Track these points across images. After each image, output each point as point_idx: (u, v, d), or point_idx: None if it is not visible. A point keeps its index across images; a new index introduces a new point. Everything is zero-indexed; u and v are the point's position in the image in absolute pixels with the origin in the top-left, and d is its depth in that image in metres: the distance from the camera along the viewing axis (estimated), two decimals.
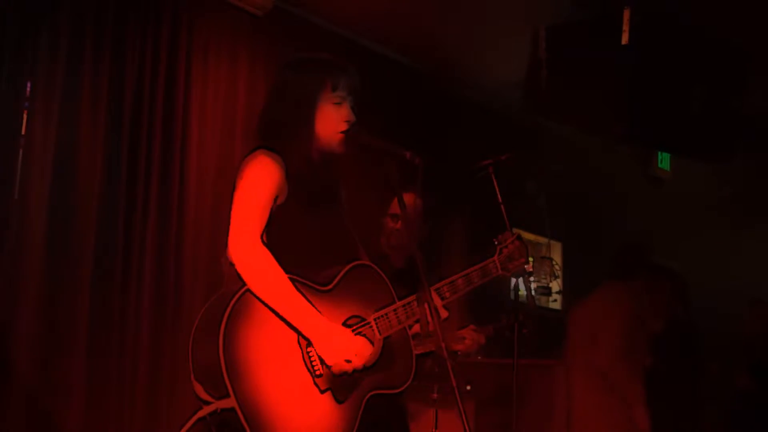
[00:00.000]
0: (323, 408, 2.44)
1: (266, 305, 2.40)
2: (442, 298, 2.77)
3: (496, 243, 2.93)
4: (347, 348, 2.46)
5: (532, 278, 7.58)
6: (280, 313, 2.42)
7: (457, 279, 2.80)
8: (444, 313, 2.78)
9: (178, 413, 4.58)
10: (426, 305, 2.50)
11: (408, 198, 3.82)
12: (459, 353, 3.83)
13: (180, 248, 4.84)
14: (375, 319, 2.58)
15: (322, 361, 2.46)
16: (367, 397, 2.53)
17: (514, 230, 3.04)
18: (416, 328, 2.71)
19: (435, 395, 4.35)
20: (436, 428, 4.41)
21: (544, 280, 7.71)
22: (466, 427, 2.34)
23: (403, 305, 2.64)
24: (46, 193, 4.30)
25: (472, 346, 3.86)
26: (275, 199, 2.55)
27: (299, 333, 2.44)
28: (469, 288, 2.83)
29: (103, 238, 4.49)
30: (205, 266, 4.86)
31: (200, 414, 2.38)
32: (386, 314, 2.60)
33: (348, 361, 2.45)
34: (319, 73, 2.65)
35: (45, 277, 4.26)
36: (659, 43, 5.17)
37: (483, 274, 2.86)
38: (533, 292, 7.47)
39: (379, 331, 2.58)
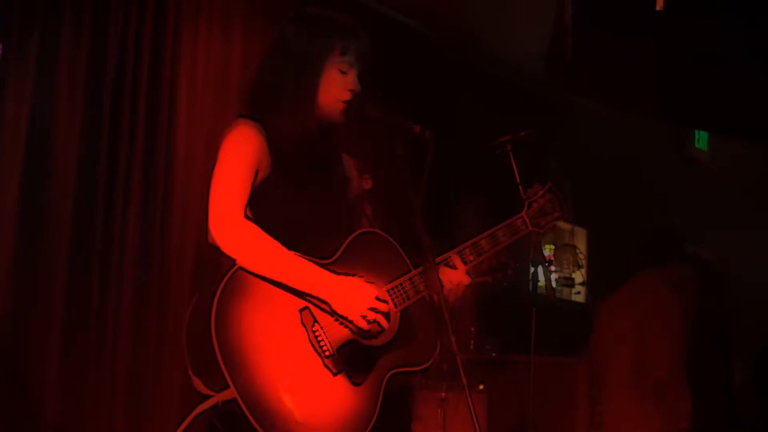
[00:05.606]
0: (338, 392, 2.39)
1: (264, 278, 2.37)
2: (465, 263, 2.69)
3: (524, 197, 2.84)
4: (367, 295, 2.43)
5: (553, 267, 7.56)
6: (282, 280, 2.38)
7: (480, 240, 2.72)
8: (467, 280, 2.71)
9: (162, 404, 4.63)
10: (430, 275, 2.46)
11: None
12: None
13: (165, 228, 4.81)
14: (389, 291, 2.53)
15: (342, 320, 2.40)
16: (386, 377, 2.47)
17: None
18: None
19: (443, 394, 4.36)
20: (443, 430, 4.42)
21: (566, 270, 7.67)
22: (477, 429, 2.32)
23: (420, 273, 2.58)
24: (18, 166, 4.25)
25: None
26: (256, 173, 2.50)
27: (309, 297, 2.41)
28: (496, 249, 2.74)
29: (81, 217, 4.46)
30: (193, 249, 4.82)
31: (199, 409, 2.35)
32: (401, 284, 2.55)
33: (373, 309, 2.42)
34: (329, 33, 2.58)
35: (15, 258, 4.21)
36: (696, 9, 5.13)
37: (511, 231, 2.76)
38: (554, 283, 7.45)
39: (395, 304, 2.53)
